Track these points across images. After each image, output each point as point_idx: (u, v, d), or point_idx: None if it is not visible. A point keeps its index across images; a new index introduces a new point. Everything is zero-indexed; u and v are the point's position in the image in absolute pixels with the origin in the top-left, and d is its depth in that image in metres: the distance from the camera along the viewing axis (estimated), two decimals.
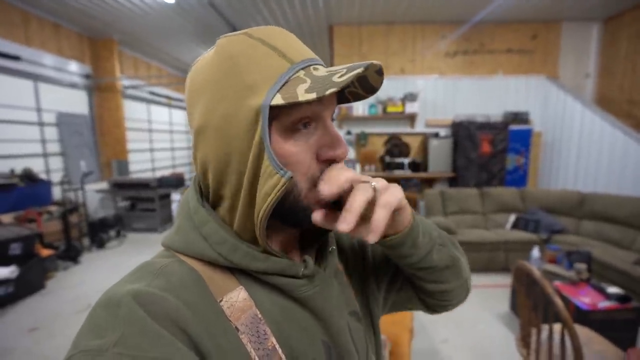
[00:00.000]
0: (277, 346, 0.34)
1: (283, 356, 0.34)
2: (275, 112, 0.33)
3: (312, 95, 0.30)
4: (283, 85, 0.32)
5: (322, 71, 0.34)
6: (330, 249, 0.43)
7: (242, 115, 0.32)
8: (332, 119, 0.39)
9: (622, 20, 5.13)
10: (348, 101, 0.42)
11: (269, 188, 0.32)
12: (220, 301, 0.33)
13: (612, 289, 2.21)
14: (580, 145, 4.96)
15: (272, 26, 0.37)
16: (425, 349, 2.27)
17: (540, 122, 5.62)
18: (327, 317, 0.38)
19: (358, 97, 0.41)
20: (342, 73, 0.32)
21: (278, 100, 0.31)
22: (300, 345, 0.35)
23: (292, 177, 0.32)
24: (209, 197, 0.38)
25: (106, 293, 0.30)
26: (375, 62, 0.33)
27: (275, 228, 0.37)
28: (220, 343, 0.31)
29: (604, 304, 2.11)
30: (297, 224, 0.37)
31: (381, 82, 0.38)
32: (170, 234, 0.38)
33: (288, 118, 0.33)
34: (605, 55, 5.48)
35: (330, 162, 0.36)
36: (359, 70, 0.31)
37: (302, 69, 0.34)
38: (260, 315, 0.34)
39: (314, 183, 0.35)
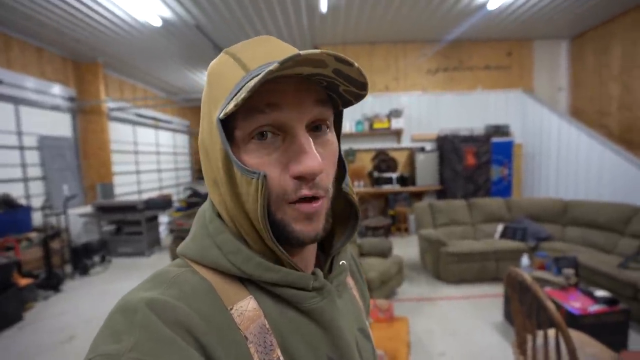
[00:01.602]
0: (281, 358, 0.34)
1: None
2: (236, 124, 0.33)
3: (232, 104, 0.30)
4: (236, 93, 0.32)
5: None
6: (341, 262, 0.43)
7: (212, 130, 0.34)
8: (318, 128, 0.35)
9: (586, 37, 5.49)
10: (352, 103, 0.38)
11: (253, 192, 0.32)
12: (231, 310, 0.33)
13: (600, 293, 2.25)
14: (559, 155, 5.16)
15: (260, 36, 0.37)
16: None
17: (520, 134, 5.85)
18: (334, 330, 0.37)
19: (359, 96, 0.36)
20: (260, 75, 0.28)
21: (228, 108, 0.31)
22: (304, 359, 0.35)
23: (265, 175, 0.32)
24: (219, 208, 0.39)
25: (122, 300, 0.31)
26: (305, 52, 0.28)
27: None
28: (230, 351, 0.31)
29: (593, 307, 2.15)
30: (286, 242, 0.35)
31: (360, 73, 0.31)
32: (186, 242, 0.39)
33: (246, 128, 0.33)
34: (574, 69, 5.82)
35: (300, 178, 0.33)
36: (271, 67, 0.27)
37: (257, 75, 0.31)
38: (267, 326, 0.34)
39: (286, 200, 0.34)
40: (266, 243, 0.35)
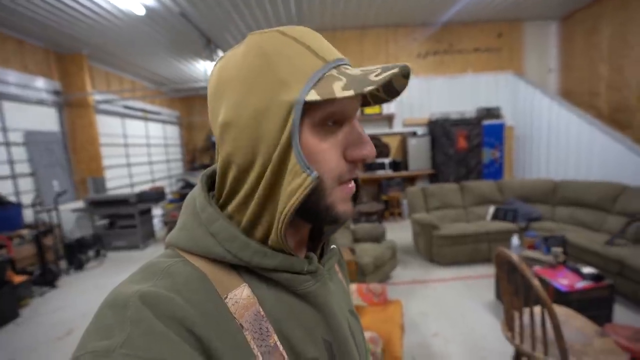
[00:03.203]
0: (278, 343, 0.34)
1: (284, 353, 0.34)
2: (306, 109, 0.33)
3: (350, 93, 0.31)
4: (317, 82, 0.33)
5: (355, 70, 0.34)
6: (331, 247, 0.44)
7: (273, 110, 0.33)
8: None
9: (575, 18, 5.46)
10: (369, 104, 0.43)
11: (295, 186, 0.32)
12: (225, 298, 0.33)
13: (587, 269, 2.32)
14: (549, 136, 5.21)
15: (303, 27, 0.38)
16: (417, 343, 2.30)
17: (511, 116, 5.88)
18: (328, 312, 0.38)
19: (378, 100, 0.42)
20: (377, 72, 0.32)
21: (313, 96, 0.32)
22: (302, 342, 0.35)
23: (318, 176, 0.33)
24: (223, 195, 0.38)
25: (112, 293, 0.30)
26: (407, 64, 0.33)
27: (291, 225, 0.38)
28: (226, 341, 0.31)
29: (580, 284, 2.22)
30: (317, 221, 0.38)
31: (405, 86, 0.38)
32: (175, 231, 0.38)
33: (319, 114, 0.33)
34: (564, 51, 5.82)
35: (357, 162, 0.37)
36: (395, 70, 0.31)
37: (334, 67, 0.35)
38: (262, 313, 0.34)
39: (340, 182, 0.36)
40: (269, 231, 0.36)
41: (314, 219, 0.38)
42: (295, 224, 0.39)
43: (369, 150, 0.36)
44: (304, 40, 0.35)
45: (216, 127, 0.36)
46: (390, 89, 0.39)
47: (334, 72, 0.34)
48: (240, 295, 0.34)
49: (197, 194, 0.38)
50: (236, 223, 0.36)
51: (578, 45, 5.45)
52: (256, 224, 0.36)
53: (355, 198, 0.42)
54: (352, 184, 0.38)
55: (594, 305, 2.20)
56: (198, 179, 0.40)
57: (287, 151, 0.33)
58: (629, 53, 4.52)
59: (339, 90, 0.31)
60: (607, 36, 4.85)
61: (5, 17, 4.18)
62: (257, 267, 0.35)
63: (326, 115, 0.34)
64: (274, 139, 0.33)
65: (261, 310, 0.34)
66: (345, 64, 0.37)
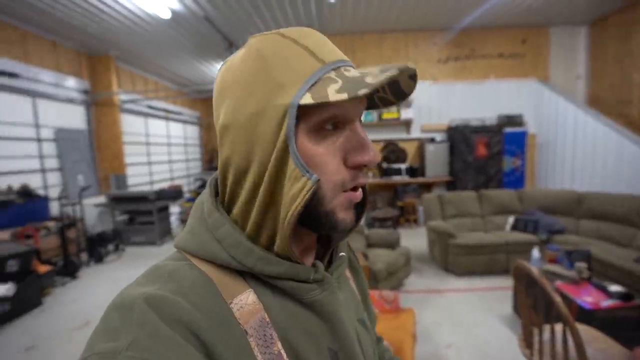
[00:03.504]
0: (282, 351, 0.33)
1: None
2: (303, 112, 0.32)
3: (344, 96, 0.29)
4: (313, 84, 0.32)
5: (353, 72, 0.33)
6: (340, 254, 0.43)
7: (269, 114, 0.32)
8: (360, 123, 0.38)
9: (607, 23, 5.25)
10: (377, 107, 0.41)
11: (296, 191, 0.32)
12: (230, 304, 0.33)
13: (614, 287, 2.20)
14: (574, 146, 5.01)
15: (304, 27, 0.37)
16: (429, 354, 2.24)
17: (534, 124, 5.69)
18: (334, 321, 0.38)
19: (387, 103, 0.40)
20: (375, 74, 0.31)
21: (307, 99, 0.31)
22: (306, 351, 0.35)
23: (318, 179, 0.32)
24: (225, 198, 0.38)
25: (119, 295, 0.30)
26: (410, 65, 0.32)
27: (294, 232, 0.37)
28: (231, 346, 0.30)
29: (606, 302, 2.10)
30: (318, 228, 0.36)
31: (414, 87, 0.36)
32: (183, 235, 0.38)
33: (315, 118, 0.32)
34: (594, 57, 5.59)
35: (358, 168, 0.35)
36: (393, 72, 0.30)
37: (334, 69, 0.33)
38: (267, 319, 0.34)
39: (342, 189, 0.35)
40: (273, 238, 0.35)
41: (315, 226, 0.36)
42: (298, 232, 0.37)
43: (371, 156, 0.34)
44: (304, 41, 0.34)
45: (217, 129, 0.37)
46: (398, 91, 0.38)
47: (333, 74, 0.33)
48: (246, 301, 0.34)
49: (205, 198, 0.38)
50: (242, 228, 0.36)
51: (610, 51, 5.23)
52: (261, 230, 0.35)
53: (362, 206, 0.41)
54: (356, 192, 0.36)
55: (622, 326, 2.07)
56: (207, 183, 0.40)
57: (285, 156, 0.32)
58: None
59: (333, 93, 0.30)
60: None
61: (43, 21, 4.41)
62: (260, 274, 0.34)
63: (323, 119, 0.33)
64: (269, 143, 0.32)
65: (266, 316, 0.34)
66: (347, 66, 0.35)
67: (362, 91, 0.29)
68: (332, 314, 0.37)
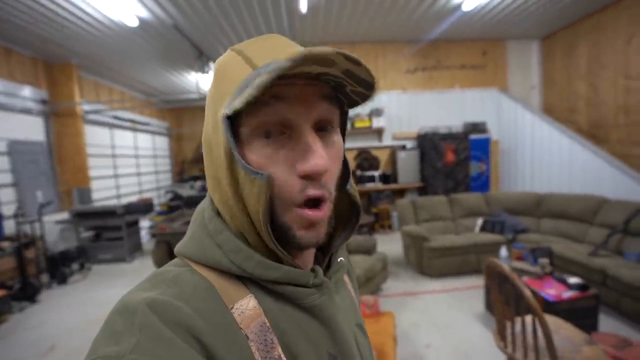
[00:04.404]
0: (282, 356, 0.33)
1: None
2: (241, 121, 0.33)
3: (244, 97, 0.29)
4: (243, 90, 0.32)
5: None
6: (339, 259, 0.43)
7: (218, 125, 0.34)
8: (323, 128, 0.35)
9: (555, 38, 5.75)
10: (358, 104, 0.38)
11: (256, 191, 0.32)
12: (231, 309, 0.33)
13: (573, 280, 2.38)
14: (532, 150, 5.39)
15: (268, 34, 0.38)
16: (409, 355, 2.30)
17: (496, 131, 6.06)
18: (334, 326, 0.38)
19: (366, 97, 0.36)
20: (269, 71, 0.28)
21: (232, 106, 0.31)
22: (306, 355, 0.35)
23: (269, 175, 0.32)
24: (217, 206, 0.39)
25: (120, 301, 0.30)
26: (316, 49, 0.27)
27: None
28: (232, 351, 0.31)
29: (567, 293, 2.27)
30: (285, 242, 0.35)
31: (369, 73, 0.31)
32: (184, 241, 0.39)
33: (250, 126, 0.32)
34: (545, 69, 6.09)
35: (306, 178, 0.33)
36: (282, 65, 0.27)
37: (268, 72, 0.30)
38: (268, 324, 0.34)
39: (293, 202, 0.33)
40: (266, 243, 0.35)
41: (285, 243, 0.35)
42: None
43: (313, 164, 0.31)
44: (248, 50, 0.35)
45: None
46: (360, 81, 0.33)
47: (265, 77, 0.29)
48: (247, 306, 0.34)
49: (205, 205, 0.40)
50: (241, 235, 0.37)
51: (558, 64, 5.72)
52: (254, 236, 0.36)
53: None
54: (317, 210, 0.34)
55: (581, 315, 2.25)
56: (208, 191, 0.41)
57: (232, 164, 0.33)
58: (603, 72, 4.77)
59: (240, 99, 0.30)
60: (583, 56, 5.12)
61: None
62: (259, 279, 0.35)
63: (258, 125, 0.32)
64: (221, 152, 0.34)
65: (267, 321, 0.34)
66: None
67: (249, 92, 0.28)
68: (331, 319, 0.38)
